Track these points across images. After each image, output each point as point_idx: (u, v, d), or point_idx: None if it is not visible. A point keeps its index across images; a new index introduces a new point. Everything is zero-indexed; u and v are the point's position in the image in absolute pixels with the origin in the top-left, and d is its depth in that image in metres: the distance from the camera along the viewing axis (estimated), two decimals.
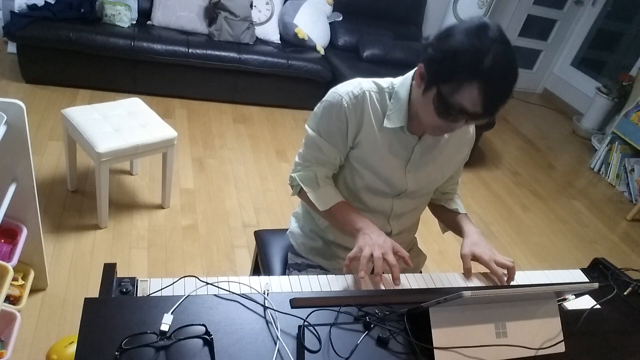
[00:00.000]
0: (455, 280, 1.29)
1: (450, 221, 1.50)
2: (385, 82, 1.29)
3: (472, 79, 1.04)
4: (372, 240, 1.19)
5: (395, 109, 1.25)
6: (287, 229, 1.62)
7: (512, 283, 1.31)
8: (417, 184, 1.35)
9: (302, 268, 1.51)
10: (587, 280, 1.41)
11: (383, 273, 1.16)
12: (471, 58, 1.03)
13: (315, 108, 1.32)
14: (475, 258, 1.30)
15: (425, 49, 1.12)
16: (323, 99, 1.30)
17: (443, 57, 1.07)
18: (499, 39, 1.04)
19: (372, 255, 1.15)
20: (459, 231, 1.43)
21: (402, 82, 1.26)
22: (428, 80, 1.12)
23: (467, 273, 1.29)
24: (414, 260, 1.57)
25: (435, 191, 1.52)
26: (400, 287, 1.21)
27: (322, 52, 3.91)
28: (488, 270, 1.30)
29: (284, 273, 1.57)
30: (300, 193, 1.37)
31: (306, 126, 1.34)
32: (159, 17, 3.54)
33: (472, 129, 1.40)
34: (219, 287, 1.04)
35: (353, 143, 1.30)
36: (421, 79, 1.15)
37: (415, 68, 1.21)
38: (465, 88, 1.05)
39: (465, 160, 1.46)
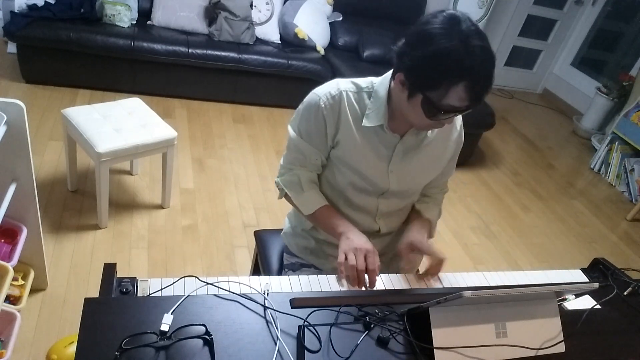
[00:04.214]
0: (455, 280, 1.29)
1: (407, 219, 1.47)
2: (364, 81, 1.29)
3: (458, 81, 1.04)
4: (354, 244, 1.21)
5: (374, 107, 1.25)
6: None
7: (512, 283, 1.31)
8: (400, 184, 1.34)
9: (297, 267, 1.51)
10: (587, 280, 1.41)
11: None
12: (452, 61, 1.03)
13: (297, 108, 1.33)
14: (413, 246, 1.30)
15: (401, 58, 1.11)
16: (303, 100, 1.31)
17: (423, 65, 1.06)
18: (473, 31, 1.03)
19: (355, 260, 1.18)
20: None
21: (381, 82, 1.26)
22: (411, 88, 1.12)
23: (408, 265, 1.31)
24: (410, 259, 1.57)
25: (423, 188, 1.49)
26: (400, 287, 1.21)
27: (322, 52, 3.91)
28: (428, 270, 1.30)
29: (280, 273, 1.57)
30: (286, 196, 1.38)
31: (289, 126, 1.35)
32: (159, 17, 3.54)
33: (458, 126, 1.38)
34: (219, 287, 1.04)
35: (333, 142, 1.30)
36: (402, 85, 1.14)
37: (393, 69, 1.19)
38: (453, 90, 1.05)
39: (454, 160, 1.43)
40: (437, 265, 1.27)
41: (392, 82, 1.20)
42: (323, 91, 1.27)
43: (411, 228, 1.37)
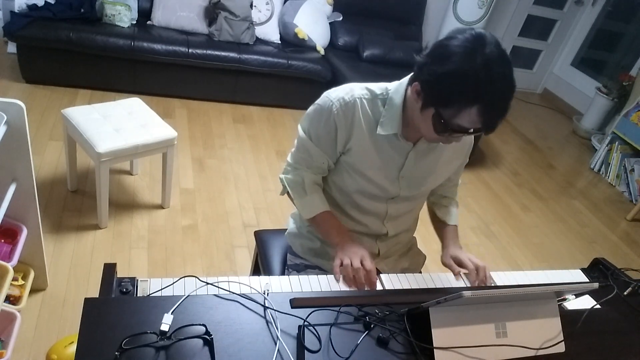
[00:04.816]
0: (456, 280, 1.29)
1: (438, 229, 1.51)
2: (379, 88, 1.26)
3: (473, 104, 1.02)
4: (349, 252, 1.23)
5: (389, 115, 1.23)
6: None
7: (512, 283, 1.31)
8: (410, 189, 1.34)
9: (301, 269, 1.51)
10: (587, 280, 1.41)
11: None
12: (470, 84, 1.01)
13: (309, 109, 1.31)
14: (455, 260, 1.34)
15: (420, 69, 1.10)
16: (316, 102, 1.29)
17: (440, 81, 1.05)
18: (496, 56, 1.01)
19: (351, 263, 1.19)
20: (442, 241, 1.46)
21: (396, 89, 1.24)
22: (425, 101, 1.10)
23: (458, 276, 1.32)
24: (414, 260, 1.57)
25: (434, 193, 1.52)
26: (400, 287, 1.21)
27: (322, 52, 3.91)
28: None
29: (283, 274, 1.57)
30: (288, 194, 1.38)
31: (299, 126, 1.34)
32: (159, 17, 3.54)
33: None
34: (219, 287, 1.04)
35: (344, 149, 1.29)
36: (417, 95, 1.12)
37: (410, 75, 1.18)
38: (465, 112, 1.04)
39: (464, 164, 1.46)
40: (482, 273, 1.29)
41: (409, 89, 1.18)
42: (336, 96, 1.25)
43: (448, 244, 1.41)
